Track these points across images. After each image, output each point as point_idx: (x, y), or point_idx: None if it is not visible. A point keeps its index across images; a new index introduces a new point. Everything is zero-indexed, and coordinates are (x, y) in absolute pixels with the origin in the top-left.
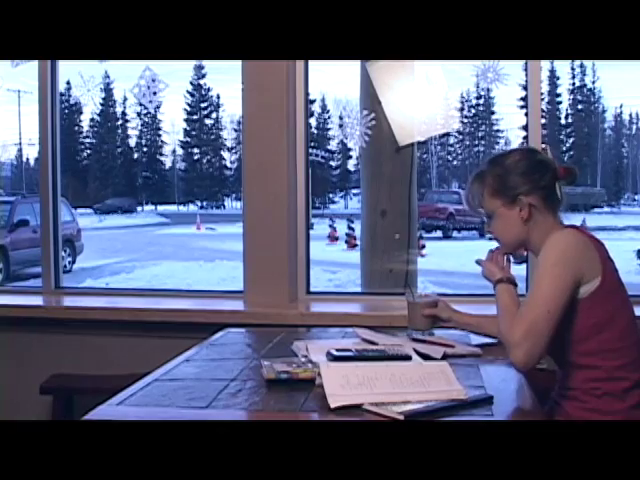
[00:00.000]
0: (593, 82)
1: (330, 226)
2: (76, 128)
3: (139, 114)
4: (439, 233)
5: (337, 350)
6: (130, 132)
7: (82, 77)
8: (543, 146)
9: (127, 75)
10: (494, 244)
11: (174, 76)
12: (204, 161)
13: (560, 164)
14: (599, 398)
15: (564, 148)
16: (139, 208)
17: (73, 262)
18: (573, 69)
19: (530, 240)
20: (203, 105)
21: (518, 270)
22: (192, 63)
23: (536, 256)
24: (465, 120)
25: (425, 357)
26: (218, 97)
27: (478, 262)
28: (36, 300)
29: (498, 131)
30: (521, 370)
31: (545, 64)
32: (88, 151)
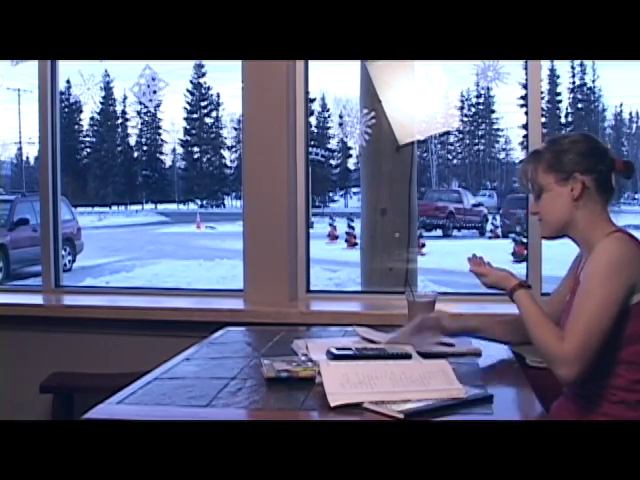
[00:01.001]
0: (593, 81)
1: (330, 225)
2: (76, 127)
3: (139, 113)
4: (439, 232)
5: (337, 349)
6: (130, 131)
7: (82, 76)
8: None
9: (127, 74)
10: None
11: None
12: (204, 160)
13: (619, 157)
14: (613, 404)
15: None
16: (139, 207)
17: (73, 261)
18: (573, 68)
19: (574, 225)
20: (203, 104)
21: (517, 269)
22: (192, 62)
23: (577, 245)
24: (465, 119)
25: (425, 356)
26: (218, 96)
27: (476, 272)
28: (36, 299)
29: (498, 130)
30: (566, 385)
31: (545, 63)
32: (88, 150)
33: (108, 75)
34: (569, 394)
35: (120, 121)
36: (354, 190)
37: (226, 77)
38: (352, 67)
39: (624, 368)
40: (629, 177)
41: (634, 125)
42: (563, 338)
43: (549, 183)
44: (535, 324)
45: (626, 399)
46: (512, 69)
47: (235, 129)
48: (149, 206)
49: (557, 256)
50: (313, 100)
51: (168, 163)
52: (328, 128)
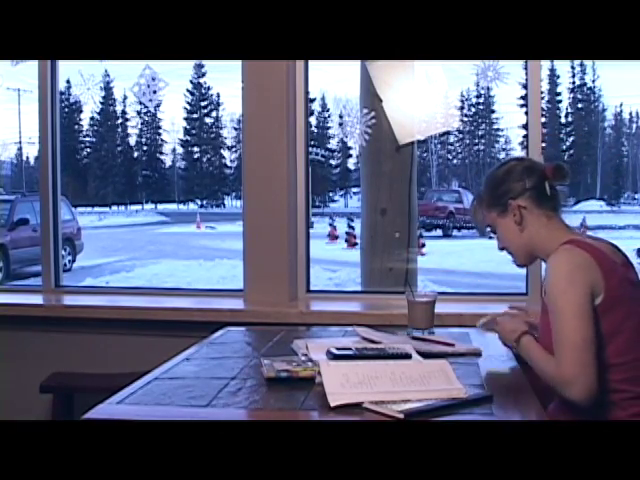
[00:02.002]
0: (593, 81)
1: (330, 225)
2: (76, 127)
3: (139, 113)
4: (439, 232)
5: (337, 349)
6: (130, 131)
7: (82, 76)
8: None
9: (127, 74)
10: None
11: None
12: (204, 160)
13: (549, 164)
14: (601, 406)
15: (564, 147)
16: (139, 207)
17: (73, 261)
18: (573, 68)
19: (532, 246)
20: (203, 104)
21: (517, 269)
22: (192, 62)
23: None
24: (465, 119)
25: (425, 355)
26: (218, 96)
27: (488, 327)
28: (36, 299)
29: (498, 130)
30: (584, 404)
31: (545, 63)
32: (88, 150)
33: (108, 75)
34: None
35: (120, 121)
36: (354, 190)
37: (226, 77)
38: (352, 67)
39: (602, 371)
40: (563, 179)
41: (634, 125)
42: (560, 376)
43: (494, 219)
44: (542, 363)
45: (613, 399)
46: (512, 69)
47: (235, 129)
48: (149, 206)
49: None
50: (313, 100)
51: (168, 163)
52: (328, 128)
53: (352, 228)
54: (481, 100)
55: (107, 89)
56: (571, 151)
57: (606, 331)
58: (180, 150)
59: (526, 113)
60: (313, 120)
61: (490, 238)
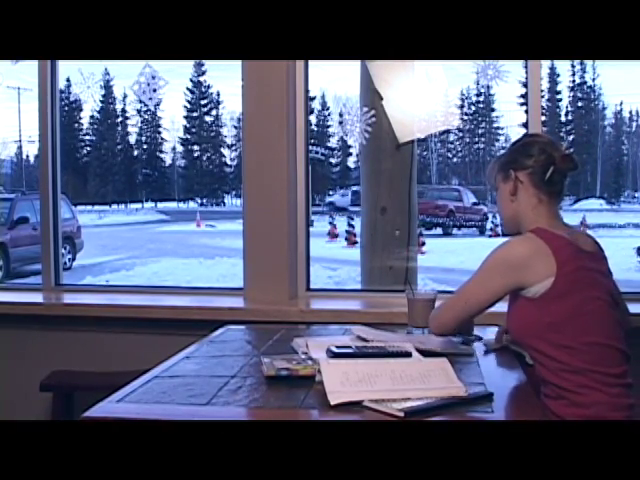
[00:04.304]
0: (593, 79)
1: (330, 223)
2: (76, 125)
3: (139, 111)
4: (439, 230)
5: (337, 347)
6: (130, 129)
7: (82, 74)
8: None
9: (127, 72)
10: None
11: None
12: (204, 158)
13: (563, 152)
14: (577, 394)
15: (564, 146)
16: (139, 205)
17: (73, 259)
18: (573, 66)
19: (519, 221)
20: (203, 102)
21: None
22: (192, 60)
23: None
24: (465, 117)
25: (425, 354)
26: (218, 94)
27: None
28: (36, 297)
29: (498, 128)
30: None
31: (545, 62)
32: (88, 148)
33: (108, 73)
34: (544, 399)
35: (120, 119)
36: (354, 188)
37: (226, 75)
38: (352, 65)
39: (565, 353)
40: (571, 170)
41: (634, 124)
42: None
43: (498, 181)
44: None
45: (583, 383)
46: (512, 67)
47: (235, 127)
48: (149, 204)
49: None
50: (313, 98)
51: (168, 161)
52: (328, 126)
53: (352, 226)
54: (481, 98)
55: (107, 87)
56: (571, 150)
57: (564, 313)
58: (180, 148)
59: (526, 111)
60: (313, 118)
61: (490, 237)
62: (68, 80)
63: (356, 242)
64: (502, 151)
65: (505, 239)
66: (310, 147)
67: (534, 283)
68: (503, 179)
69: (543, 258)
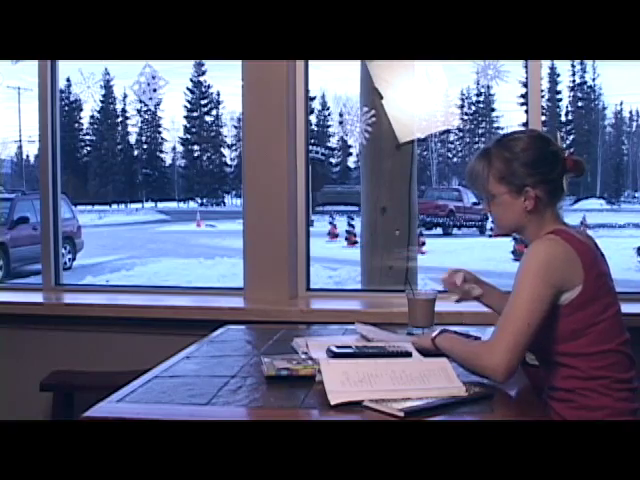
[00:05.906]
0: (593, 79)
1: (330, 223)
2: (76, 125)
3: (139, 111)
4: (439, 230)
5: (337, 347)
6: (130, 129)
7: (82, 74)
8: (554, 133)
9: (127, 72)
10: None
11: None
12: (204, 158)
13: (568, 155)
14: (584, 397)
15: (564, 145)
16: (139, 205)
17: (73, 259)
18: (573, 66)
19: (527, 229)
20: (203, 102)
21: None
22: (192, 60)
23: (527, 243)
24: (465, 117)
25: (425, 354)
26: (218, 94)
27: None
28: (36, 297)
29: (498, 128)
30: (498, 382)
31: (545, 61)
32: (88, 148)
33: (108, 73)
34: (546, 398)
35: (120, 119)
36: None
37: (226, 75)
38: (352, 65)
39: (578, 360)
40: (580, 175)
41: (634, 123)
42: (490, 348)
43: (502, 194)
44: (462, 352)
45: (593, 387)
46: (512, 67)
47: (235, 127)
48: (149, 204)
49: None
50: (313, 98)
51: (168, 161)
52: (328, 126)
53: (352, 226)
54: (481, 98)
55: (107, 87)
56: (571, 149)
57: (583, 323)
58: (180, 148)
59: (526, 111)
60: (313, 118)
61: (490, 236)
62: (68, 80)
63: (356, 242)
64: (483, 146)
65: (504, 239)
66: (310, 147)
67: (569, 289)
68: (512, 193)
69: (573, 263)
